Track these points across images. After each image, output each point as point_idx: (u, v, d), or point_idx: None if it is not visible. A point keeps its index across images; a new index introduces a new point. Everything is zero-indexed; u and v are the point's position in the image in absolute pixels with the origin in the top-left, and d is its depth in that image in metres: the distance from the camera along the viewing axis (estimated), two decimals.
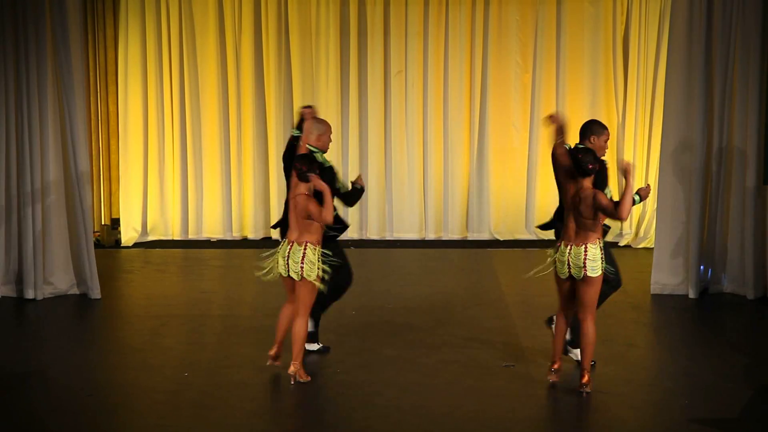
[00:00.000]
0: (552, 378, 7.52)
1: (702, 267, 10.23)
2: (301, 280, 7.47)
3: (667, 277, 10.29)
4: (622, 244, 12.95)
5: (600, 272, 7.24)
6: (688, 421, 6.83)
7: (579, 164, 7.23)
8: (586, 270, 7.21)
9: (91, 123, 12.63)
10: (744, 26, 9.88)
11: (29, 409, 7.11)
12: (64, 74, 10.02)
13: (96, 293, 10.21)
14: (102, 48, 12.99)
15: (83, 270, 10.24)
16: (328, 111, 13.19)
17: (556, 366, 7.52)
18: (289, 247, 7.50)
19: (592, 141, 7.70)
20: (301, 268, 7.43)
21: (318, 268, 7.47)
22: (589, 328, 7.31)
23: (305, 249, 7.45)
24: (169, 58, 13.18)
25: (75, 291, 10.35)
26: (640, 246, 12.75)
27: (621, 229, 13.12)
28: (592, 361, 7.61)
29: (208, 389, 7.55)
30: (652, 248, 10.91)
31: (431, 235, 13.41)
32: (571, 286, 7.37)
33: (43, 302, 10.06)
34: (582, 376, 7.34)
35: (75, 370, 7.96)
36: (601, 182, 7.48)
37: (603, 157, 7.66)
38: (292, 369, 7.54)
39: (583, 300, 7.31)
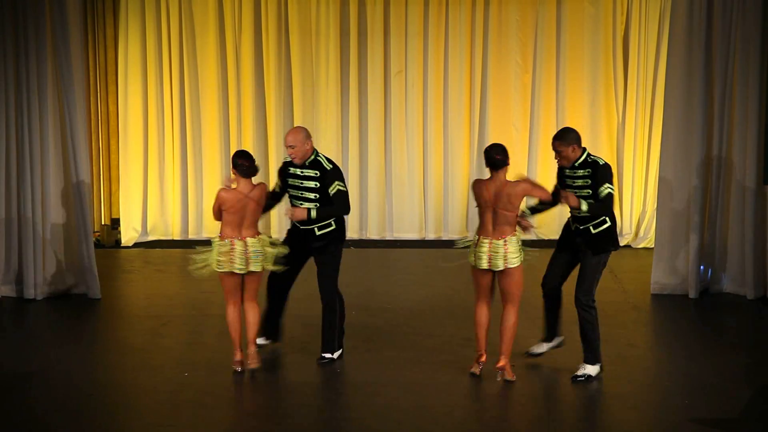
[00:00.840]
0: (475, 370, 7.73)
1: (702, 267, 10.24)
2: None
3: (667, 277, 10.29)
4: (622, 244, 12.94)
5: (519, 262, 7.53)
6: (688, 421, 6.83)
7: (488, 157, 7.53)
8: (507, 262, 7.48)
9: (91, 123, 12.62)
10: (744, 26, 9.88)
11: (29, 409, 7.11)
12: (64, 74, 10.02)
13: (96, 293, 10.21)
14: (102, 48, 12.99)
15: (83, 270, 10.24)
16: (328, 111, 13.20)
17: (482, 359, 7.74)
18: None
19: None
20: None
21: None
22: (512, 317, 7.63)
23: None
24: (169, 58, 13.18)
25: (75, 291, 10.35)
26: (640, 246, 12.75)
27: (621, 230, 13.12)
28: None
29: (208, 389, 7.55)
30: (652, 248, 10.91)
31: (431, 235, 13.41)
32: (492, 279, 7.64)
33: (43, 302, 10.06)
34: (498, 360, 7.59)
35: (75, 370, 7.96)
36: (600, 182, 7.57)
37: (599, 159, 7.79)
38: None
39: (508, 290, 7.58)
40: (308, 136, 8.03)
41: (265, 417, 7.12)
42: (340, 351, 8.23)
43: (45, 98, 10.01)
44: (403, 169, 13.34)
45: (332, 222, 8.03)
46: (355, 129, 13.28)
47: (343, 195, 7.98)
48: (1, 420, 6.88)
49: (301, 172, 7.99)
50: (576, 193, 7.69)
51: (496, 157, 7.54)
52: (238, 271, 7.72)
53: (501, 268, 7.53)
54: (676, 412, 7.01)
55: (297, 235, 8.13)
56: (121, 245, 12.96)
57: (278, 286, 8.29)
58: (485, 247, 7.53)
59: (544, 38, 13.08)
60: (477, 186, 7.67)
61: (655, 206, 11.01)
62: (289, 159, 8.09)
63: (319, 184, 7.94)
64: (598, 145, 13.17)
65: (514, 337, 7.70)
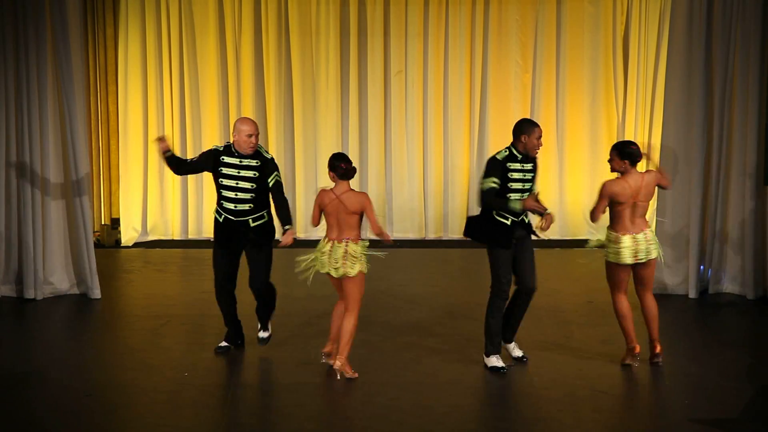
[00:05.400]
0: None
1: (702, 267, 10.24)
2: (344, 277, 7.62)
3: (667, 277, 10.29)
4: None
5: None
6: (688, 421, 6.83)
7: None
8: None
9: (91, 123, 12.64)
10: (744, 26, 9.88)
11: (29, 409, 7.11)
12: (64, 74, 10.02)
13: (96, 293, 10.21)
14: (102, 48, 13.00)
15: (83, 270, 10.24)
16: (328, 111, 13.21)
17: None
18: (330, 246, 7.64)
19: (523, 140, 7.75)
20: (343, 264, 7.58)
21: (360, 263, 7.61)
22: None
23: (346, 246, 7.61)
24: (169, 58, 13.19)
25: (75, 291, 10.35)
26: None
27: None
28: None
29: (208, 389, 7.55)
30: None
31: (431, 235, 13.42)
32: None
33: (43, 302, 10.06)
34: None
35: (75, 370, 7.96)
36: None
37: (536, 156, 7.89)
38: (338, 363, 7.63)
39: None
40: None
41: (265, 417, 7.12)
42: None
43: (45, 98, 10.01)
44: (403, 169, 13.35)
45: (265, 214, 8.04)
46: (355, 129, 13.29)
47: (282, 185, 8.04)
48: (0, 420, 6.88)
49: (240, 162, 7.95)
50: (529, 186, 7.86)
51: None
52: (334, 275, 7.67)
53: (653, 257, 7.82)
54: (677, 412, 7.01)
55: (227, 230, 8.08)
56: (121, 245, 12.97)
57: (225, 289, 8.27)
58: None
59: (544, 38, 13.10)
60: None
61: (655, 206, 11.01)
62: (221, 147, 8.03)
63: (258, 174, 7.94)
64: (598, 145, 13.20)
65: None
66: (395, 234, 13.41)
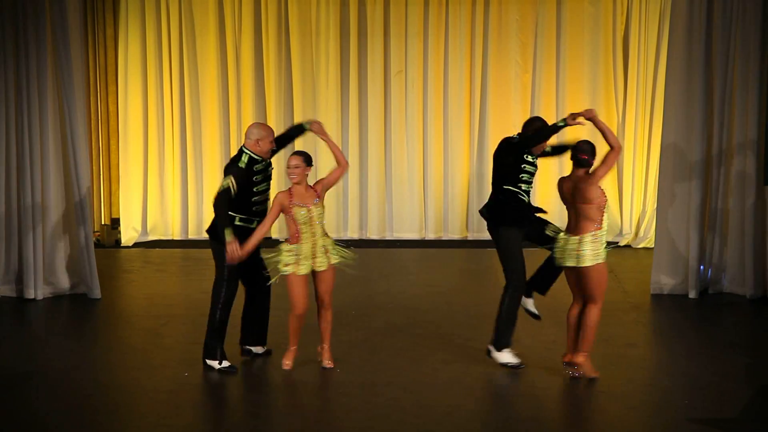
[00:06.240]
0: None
1: (702, 267, 10.24)
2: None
3: (667, 277, 10.29)
4: (622, 244, 12.96)
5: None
6: (687, 421, 6.83)
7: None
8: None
9: (91, 123, 12.64)
10: (744, 26, 9.88)
11: (29, 409, 7.11)
12: (64, 74, 10.02)
13: (96, 293, 10.21)
14: (102, 48, 13.00)
15: (83, 270, 10.24)
16: (328, 111, 13.20)
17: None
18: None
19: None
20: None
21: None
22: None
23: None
24: (169, 58, 13.19)
25: (75, 291, 10.35)
26: (640, 246, 12.75)
27: (621, 229, 13.13)
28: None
29: (208, 389, 7.55)
30: (652, 248, 10.91)
31: (431, 235, 13.42)
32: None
33: (43, 302, 10.06)
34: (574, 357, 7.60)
35: (75, 370, 7.96)
36: None
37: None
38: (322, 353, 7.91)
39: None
40: None
41: (264, 417, 7.12)
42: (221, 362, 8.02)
43: (45, 98, 10.02)
44: (403, 169, 13.35)
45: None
46: (355, 129, 13.29)
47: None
48: (1, 420, 6.88)
49: (264, 166, 7.93)
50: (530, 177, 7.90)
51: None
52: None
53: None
54: (676, 412, 7.01)
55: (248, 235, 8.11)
56: (121, 245, 12.97)
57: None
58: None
59: (544, 38, 13.10)
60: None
61: (655, 206, 11.02)
62: (243, 162, 7.80)
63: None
64: (597, 145, 13.17)
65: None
66: (395, 234, 13.40)
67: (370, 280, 11.10)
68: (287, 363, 7.86)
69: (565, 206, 7.66)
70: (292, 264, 7.68)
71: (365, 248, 12.74)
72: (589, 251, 7.38)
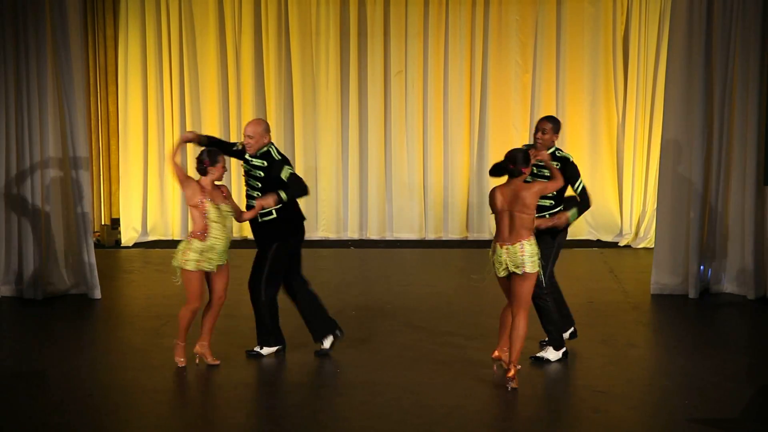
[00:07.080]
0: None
1: (702, 267, 10.24)
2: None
3: (667, 277, 10.29)
4: (622, 244, 12.96)
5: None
6: (687, 421, 6.83)
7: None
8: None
9: (91, 123, 12.63)
10: (744, 26, 9.88)
11: (29, 409, 7.11)
12: (64, 74, 10.02)
13: (96, 293, 10.21)
14: (102, 48, 13.00)
15: (83, 270, 10.24)
16: (328, 111, 13.20)
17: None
18: None
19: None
20: None
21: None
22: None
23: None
24: (169, 58, 13.19)
25: (75, 291, 10.35)
26: (640, 246, 12.75)
27: (621, 229, 13.14)
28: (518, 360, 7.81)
29: (208, 389, 7.55)
30: (652, 248, 10.91)
31: (431, 235, 13.42)
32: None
33: (43, 302, 10.06)
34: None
35: (75, 370, 7.96)
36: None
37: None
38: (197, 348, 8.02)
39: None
40: (268, 130, 8.13)
41: (264, 417, 7.12)
42: (276, 348, 8.23)
43: (45, 98, 10.02)
44: (403, 169, 13.35)
45: (273, 211, 8.04)
46: (355, 129, 13.29)
47: (296, 176, 8.08)
48: (2, 420, 6.88)
49: (251, 161, 8.07)
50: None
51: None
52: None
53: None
54: (676, 412, 7.01)
55: (254, 232, 8.29)
56: (121, 245, 12.97)
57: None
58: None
59: (544, 38, 13.10)
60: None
61: (655, 206, 11.01)
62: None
63: (264, 174, 8.01)
64: (598, 145, 13.20)
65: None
66: (395, 234, 13.40)
67: (370, 280, 11.09)
68: (181, 360, 7.91)
69: (493, 217, 7.60)
70: (194, 260, 7.86)
71: (365, 248, 12.74)
72: (528, 257, 7.41)
